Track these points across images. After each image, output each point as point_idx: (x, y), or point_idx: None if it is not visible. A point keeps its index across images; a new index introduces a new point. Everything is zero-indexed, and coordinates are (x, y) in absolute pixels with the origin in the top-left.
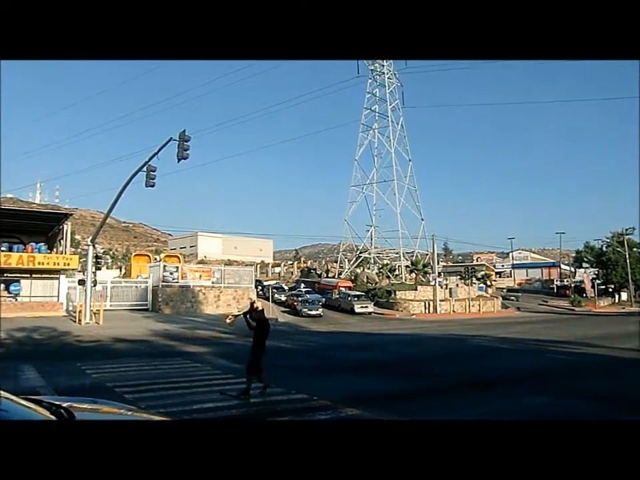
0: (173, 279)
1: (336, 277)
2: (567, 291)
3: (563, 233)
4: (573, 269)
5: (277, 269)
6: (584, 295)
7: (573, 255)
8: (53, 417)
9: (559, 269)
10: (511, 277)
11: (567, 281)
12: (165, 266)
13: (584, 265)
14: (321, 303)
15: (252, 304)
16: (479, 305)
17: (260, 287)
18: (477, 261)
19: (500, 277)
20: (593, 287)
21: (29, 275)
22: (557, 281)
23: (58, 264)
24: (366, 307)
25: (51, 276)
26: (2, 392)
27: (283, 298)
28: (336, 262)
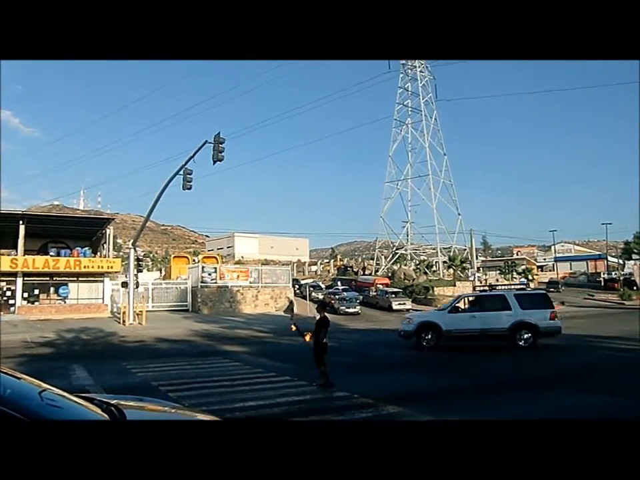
0: (212, 280)
1: (372, 274)
2: (616, 284)
3: (610, 224)
4: (621, 261)
5: (314, 268)
6: (634, 288)
7: (621, 246)
8: (105, 414)
9: (605, 261)
10: (553, 270)
11: (615, 274)
12: (203, 267)
13: (634, 256)
14: (358, 301)
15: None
16: None
17: (297, 286)
18: (517, 254)
19: (542, 270)
20: None
21: (75, 279)
22: (604, 273)
23: (102, 267)
24: (404, 303)
25: (96, 279)
26: (57, 390)
27: (320, 296)
28: (372, 259)
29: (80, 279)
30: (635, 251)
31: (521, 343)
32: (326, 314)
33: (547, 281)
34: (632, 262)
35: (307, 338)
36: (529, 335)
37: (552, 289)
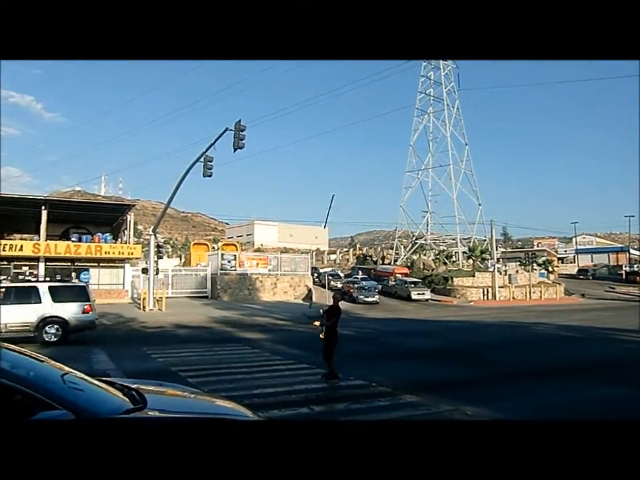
0: (231, 267)
1: (392, 263)
2: (637, 277)
3: (632, 216)
4: None
5: (333, 256)
6: None
7: None
8: (126, 398)
9: (627, 254)
10: (574, 262)
11: (637, 267)
12: (222, 254)
13: None
14: (377, 290)
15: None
16: (540, 292)
17: (316, 274)
18: (538, 246)
19: (563, 262)
20: None
21: (96, 264)
22: (625, 266)
23: (122, 253)
24: (423, 293)
25: (117, 265)
26: (79, 373)
27: (339, 285)
28: (391, 248)
29: (101, 264)
30: None
31: (47, 338)
32: (339, 303)
33: (576, 270)
34: None
35: (316, 323)
36: (58, 329)
37: (581, 277)
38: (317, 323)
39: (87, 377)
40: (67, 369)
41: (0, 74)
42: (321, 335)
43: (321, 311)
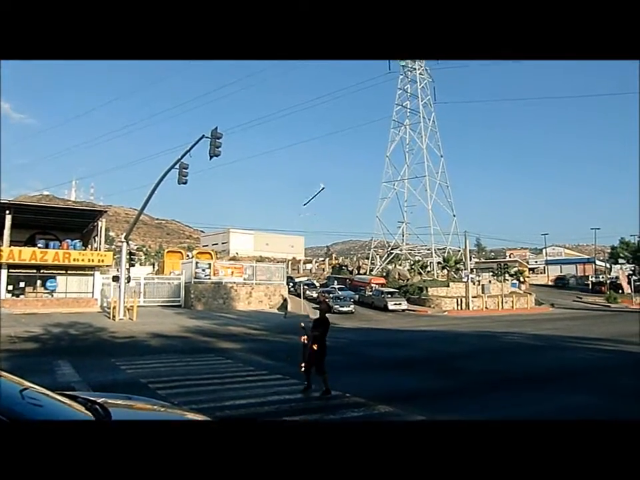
0: (205, 276)
1: (367, 273)
2: (603, 288)
3: (598, 229)
4: (608, 265)
5: (309, 266)
6: (620, 291)
7: (608, 251)
8: (89, 413)
9: (593, 265)
10: (544, 273)
11: (602, 277)
12: (197, 263)
13: (620, 261)
14: (352, 300)
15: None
16: (512, 302)
17: (291, 284)
18: (510, 257)
19: (533, 272)
20: (629, 283)
21: (64, 272)
22: (592, 277)
23: (92, 260)
24: (399, 303)
25: (86, 272)
26: (39, 387)
27: (315, 294)
28: (367, 258)
29: (69, 272)
30: (621, 255)
31: None
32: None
33: (553, 279)
34: (618, 266)
35: (304, 339)
36: None
37: (559, 285)
38: (304, 338)
39: (47, 392)
40: (26, 383)
41: (0, 74)
42: (314, 347)
43: (301, 324)
